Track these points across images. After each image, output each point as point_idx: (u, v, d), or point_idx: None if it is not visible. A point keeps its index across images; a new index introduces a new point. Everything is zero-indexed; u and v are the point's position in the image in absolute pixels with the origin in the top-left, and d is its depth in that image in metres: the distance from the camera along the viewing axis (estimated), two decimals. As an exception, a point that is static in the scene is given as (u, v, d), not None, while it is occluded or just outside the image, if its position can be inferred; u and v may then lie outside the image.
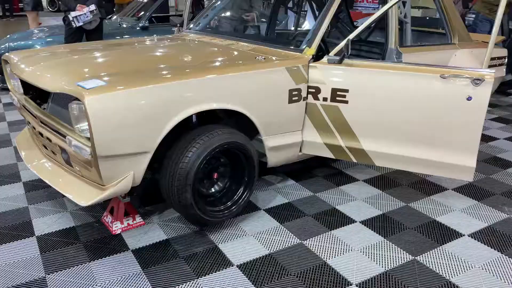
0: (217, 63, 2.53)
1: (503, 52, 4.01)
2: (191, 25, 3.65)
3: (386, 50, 3.11)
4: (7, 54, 2.85)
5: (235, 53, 2.79)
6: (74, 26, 4.56)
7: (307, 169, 3.26)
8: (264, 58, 2.60)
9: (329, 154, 2.78)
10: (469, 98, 2.39)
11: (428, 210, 2.71)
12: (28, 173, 3.13)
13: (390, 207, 2.74)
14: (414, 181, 3.09)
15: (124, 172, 2.13)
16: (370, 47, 3.78)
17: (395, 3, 2.62)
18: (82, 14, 4.55)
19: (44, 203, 2.75)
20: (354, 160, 2.74)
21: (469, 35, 3.82)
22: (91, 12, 4.56)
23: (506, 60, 4.04)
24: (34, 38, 5.30)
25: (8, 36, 5.63)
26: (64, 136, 2.18)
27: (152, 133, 2.11)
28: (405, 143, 2.58)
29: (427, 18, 6.29)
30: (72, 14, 4.55)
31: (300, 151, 2.81)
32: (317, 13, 4.40)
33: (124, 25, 5.75)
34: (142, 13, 6.12)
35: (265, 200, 2.81)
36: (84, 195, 2.17)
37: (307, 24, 4.71)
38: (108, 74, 2.22)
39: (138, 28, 5.69)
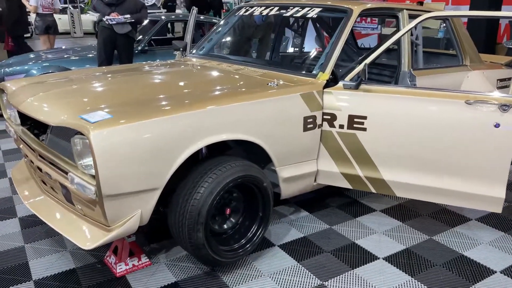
0: (228, 91, 2.38)
1: (514, 72, 3.90)
2: (194, 50, 3.52)
3: (399, 73, 2.99)
4: (3, 82, 2.69)
5: (246, 79, 2.65)
6: (108, 23, 5.02)
7: (319, 198, 3.09)
8: (277, 84, 2.46)
9: (346, 185, 2.62)
10: (496, 125, 2.25)
11: (454, 243, 2.54)
12: (25, 208, 2.93)
13: (413, 241, 2.56)
14: (434, 211, 2.92)
15: (131, 211, 1.95)
16: (380, 70, 3.66)
17: (412, 27, 2.50)
18: (116, 18, 5.02)
19: (42, 241, 2.55)
20: (373, 191, 2.58)
21: (480, 56, 3.73)
22: (125, 18, 5.05)
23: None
24: (30, 63, 5.16)
25: (3, 61, 5.48)
26: (66, 173, 2.01)
27: (162, 168, 1.94)
28: (428, 172, 2.43)
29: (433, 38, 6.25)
30: (107, 17, 5.02)
31: (315, 181, 2.65)
32: (322, 35, 4.31)
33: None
34: (141, 36, 6.02)
35: (278, 235, 2.63)
36: (87, 237, 1.99)
37: (310, 47, 4.59)
38: (112, 105, 2.07)
39: (136, 51, 5.57)
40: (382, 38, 7.65)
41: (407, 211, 2.92)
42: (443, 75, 3.21)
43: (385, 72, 3.59)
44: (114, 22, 5.04)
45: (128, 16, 5.09)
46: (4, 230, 2.68)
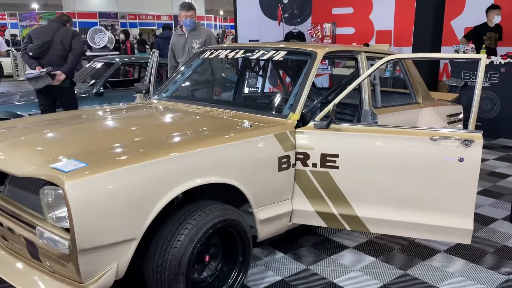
0: (204, 133, 2.35)
1: (459, 108, 4.18)
2: (158, 92, 3.48)
3: (360, 112, 3.11)
4: (-46, 130, 2.50)
5: (218, 121, 2.64)
6: (25, 79, 4.67)
7: (292, 237, 3.06)
8: (251, 125, 2.46)
9: (321, 223, 2.63)
10: (461, 160, 2.37)
11: (427, 276, 2.59)
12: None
13: (389, 276, 2.58)
14: (404, 244, 2.98)
15: (106, 264, 1.83)
16: (341, 109, 3.79)
17: (377, 67, 2.62)
18: (33, 73, 4.54)
19: (-2, 304, 2.31)
20: (348, 228, 2.60)
21: (430, 94, 3.98)
22: (41, 72, 4.52)
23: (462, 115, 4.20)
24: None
25: None
26: (33, 227, 1.86)
27: (140, 217, 1.86)
28: (400, 207, 2.49)
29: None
30: (27, 71, 4.65)
31: (290, 221, 2.64)
32: (289, 76, 4.41)
33: (75, 91, 5.46)
34: (93, 80, 5.90)
35: (256, 279, 2.56)
36: (57, 297, 1.83)
37: (277, 88, 4.69)
38: (82, 153, 1.96)
39: (91, 94, 5.44)
40: (333, 78, 8.02)
41: (378, 246, 2.96)
42: (400, 113, 3.39)
43: (346, 110, 3.72)
44: (29, 77, 4.51)
45: (44, 70, 4.48)
46: (-48, 293, 2.41)
